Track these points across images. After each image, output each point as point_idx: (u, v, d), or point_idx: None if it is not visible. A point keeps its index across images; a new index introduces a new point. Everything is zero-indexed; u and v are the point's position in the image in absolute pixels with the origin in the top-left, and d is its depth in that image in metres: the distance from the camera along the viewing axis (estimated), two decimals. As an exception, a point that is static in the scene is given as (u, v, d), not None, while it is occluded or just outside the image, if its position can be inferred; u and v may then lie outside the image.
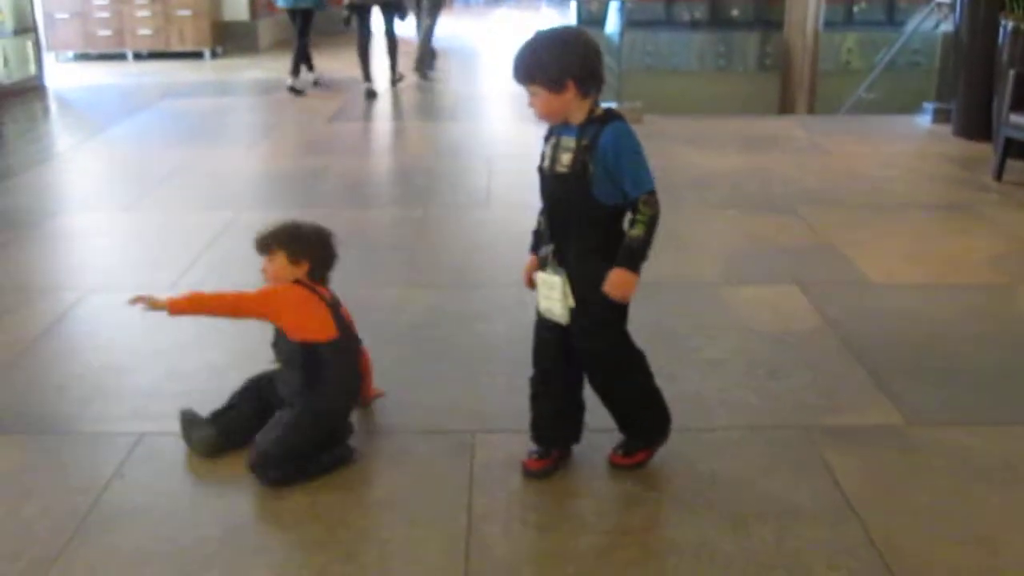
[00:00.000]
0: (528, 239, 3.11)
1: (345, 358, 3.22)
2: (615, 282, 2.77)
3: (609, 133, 2.75)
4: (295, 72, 10.64)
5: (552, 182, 2.87)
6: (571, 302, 2.87)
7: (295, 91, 10.54)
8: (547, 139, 2.91)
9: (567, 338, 2.94)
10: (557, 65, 2.74)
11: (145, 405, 3.55)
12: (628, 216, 2.79)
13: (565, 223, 2.87)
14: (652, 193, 2.75)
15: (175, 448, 3.26)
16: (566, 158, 2.80)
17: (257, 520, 2.90)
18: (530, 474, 3.05)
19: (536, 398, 3.08)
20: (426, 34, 12.02)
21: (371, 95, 10.33)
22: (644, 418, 3.06)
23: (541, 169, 2.91)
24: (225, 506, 2.97)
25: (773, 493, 2.96)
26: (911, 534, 2.76)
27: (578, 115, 2.80)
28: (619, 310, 2.90)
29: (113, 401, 3.61)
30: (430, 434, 3.34)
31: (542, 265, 2.94)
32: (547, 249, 2.93)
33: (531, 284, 3.04)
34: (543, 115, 2.85)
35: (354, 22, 10.58)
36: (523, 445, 3.12)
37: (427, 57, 12.00)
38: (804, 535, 2.76)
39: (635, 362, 3.00)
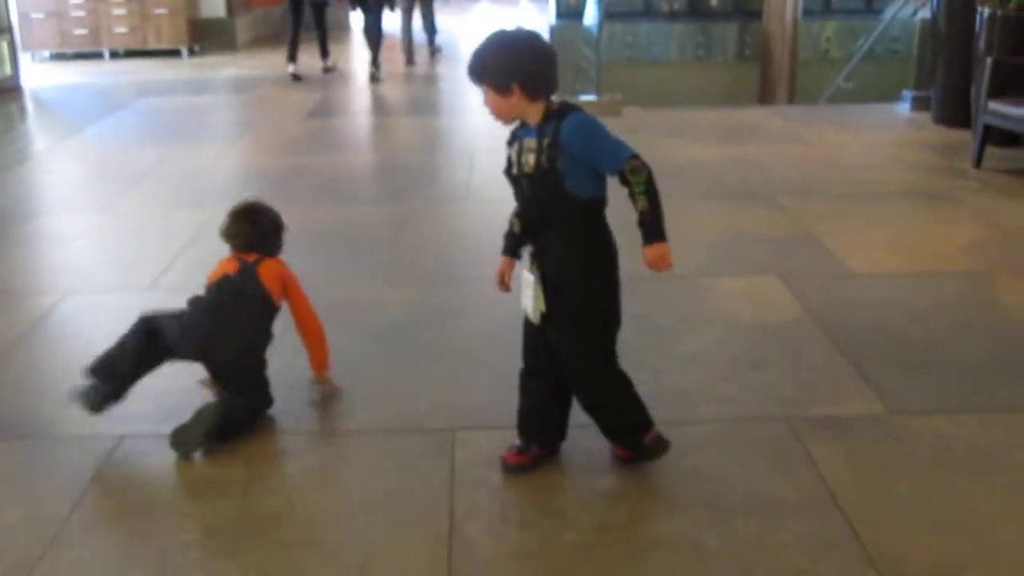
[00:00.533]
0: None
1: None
2: (652, 258, 2.76)
3: (568, 125, 2.76)
4: (292, 58, 11.21)
5: (523, 184, 2.87)
6: (542, 307, 2.87)
7: (296, 77, 11.16)
8: (510, 143, 2.91)
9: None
10: (503, 69, 2.78)
11: (125, 407, 3.51)
12: (628, 189, 2.76)
13: (543, 223, 2.87)
14: (635, 157, 2.73)
15: (155, 450, 3.24)
16: (531, 159, 2.81)
17: (237, 522, 2.88)
18: (508, 468, 3.05)
19: (522, 391, 3.08)
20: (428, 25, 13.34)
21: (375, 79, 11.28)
22: (619, 426, 3.04)
23: (509, 173, 2.91)
24: (205, 508, 2.95)
25: (756, 486, 2.96)
26: (894, 525, 2.76)
27: (534, 115, 2.82)
28: (595, 311, 2.89)
29: (92, 404, 3.57)
30: (411, 432, 3.33)
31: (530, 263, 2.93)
32: (531, 249, 2.93)
33: (504, 287, 3.04)
34: (494, 114, 2.88)
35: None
36: (505, 442, 3.10)
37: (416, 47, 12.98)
38: (788, 528, 2.76)
39: (610, 371, 2.96)
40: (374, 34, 11.44)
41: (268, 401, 3.43)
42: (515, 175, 2.89)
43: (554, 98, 2.86)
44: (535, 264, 2.89)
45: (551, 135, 2.76)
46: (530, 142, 2.82)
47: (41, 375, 3.86)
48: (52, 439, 3.36)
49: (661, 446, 3.02)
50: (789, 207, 5.82)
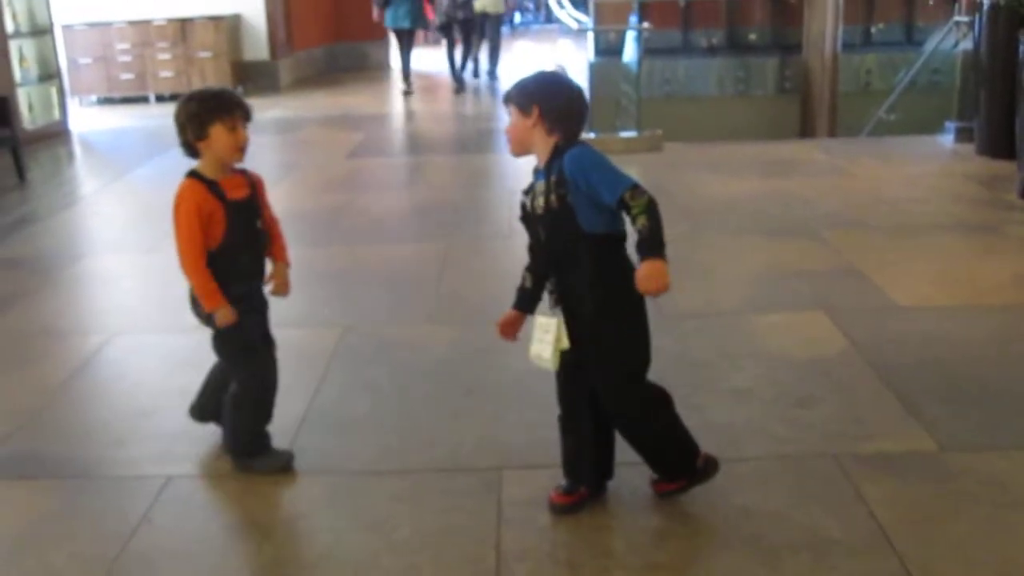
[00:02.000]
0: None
1: None
2: (643, 275, 2.69)
3: (568, 158, 2.77)
4: (406, 79, 13.64)
5: (537, 224, 2.87)
6: (565, 343, 2.85)
7: (407, 93, 13.53)
8: (526, 192, 2.93)
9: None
10: (531, 91, 2.85)
11: (172, 447, 3.55)
12: (629, 213, 2.72)
13: (559, 262, 2.86)
14: (634, 187, 2.69)
15: (203, 490, 3.26)
16: (541, 200, 2.82)
17: (284, 563, 2.88)
18: (555, 508, 3.02)
19: (562, 434, 3.06)
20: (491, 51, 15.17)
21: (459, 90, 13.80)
22: (664, 458, 3.01)
23: (524, 219, 2.93)
24: (252, 549, 2.95)
25: (806, 525, 2.91)
26: (949, 565, 2.71)
27: (543, 152, 2.84)
28: (630, 346, 2.87)
29: (140, 444, 3.61)
30: (457, 472, 3.32)
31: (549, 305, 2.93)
32: (550, 289, 2.93)
33: (510, 338, 3.06)
34: (509, 139, 2.91)
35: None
36: (551, 481, 3.09)
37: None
38: (839, 568, 2.71)
39: (651, 402, 2.93)
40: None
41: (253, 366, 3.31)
42: (529, 219, 2.90)
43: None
44: (558, 305, 2.89)
45: (556, 172, 2.78)
46: (540, 185, 2.83)
47: (89, 416, 3.90)
48: (100, 479, 3.38)
49: (712, 467, 3.00)
50: (832, 241, 5.78)
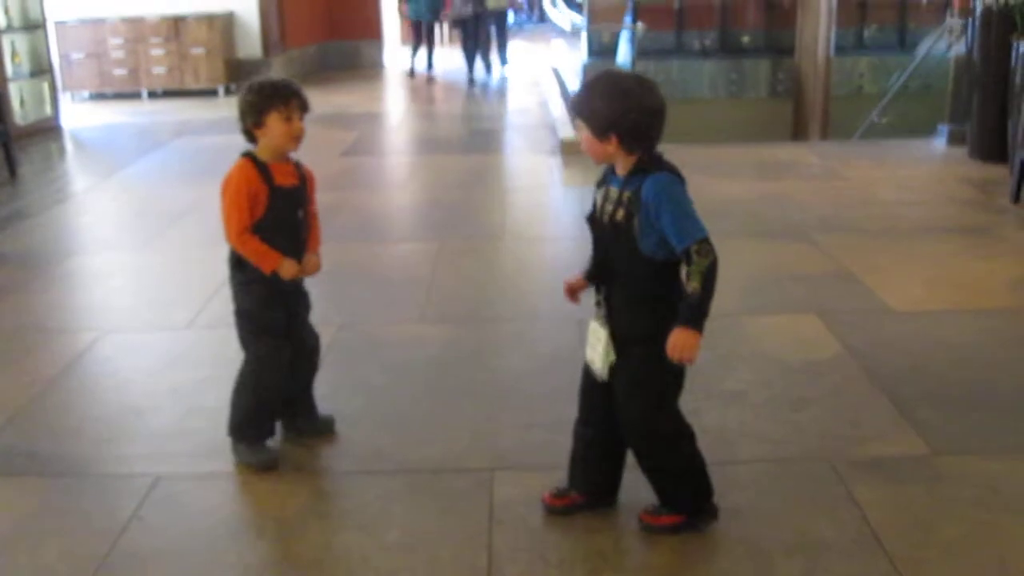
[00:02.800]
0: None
1: None
2: (675, 342, 2.61)
3: (649, 185, 2.64)
4: (427, 64, 15.43)
5: (600, 231, 2.78)
6: (612, 357, 2.77)
7: (430, 80, 15.09)
8: (599, 185, 2.82)
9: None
10: (606, 115, 2.65)
11: (163, 446, 3.53)
12: (684, 269, 2.65)
13: (612, 274, 2.77)
14: (704, 241, 2.60)
15: (193, 489, 3.24)
16: (610, 208, 2.73)
17: (275, 563, 2.87)
18: (545, 508, 3.02)
19: (574, 437, 3.01)
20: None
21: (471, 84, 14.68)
22: (677, 492, 2.91)
23: (592, 218, 2.82)
24: (243, 549, 2.94)
25: (799, 527, 2.91)
26: (940, 569, 2.71)
27: (624, 165, 2.72)
28: (661, 372, 2.75)
29: (131, 442, 3.59)
30: (449, 472, 3.31)
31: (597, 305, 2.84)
32: (597, 297, 2.83)
33: (571, 298, 2.93)
34: (585, 151, 2.78)
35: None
36: (543, 482, 3.08)
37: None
38: (832, 570, 2.71)
39: (675, 434, 2.85)
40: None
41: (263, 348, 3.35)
42: (596, 220, 2.80)
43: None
44: (601, 315, 2.80)
45: (633, 190, 2.67)
46: (613, 191, 2.74)
47: (79, 413, 3.88)
48: (90, 477, 3.36)
49: (714, 515, 2.91)
50: (826, 244, 5.78)
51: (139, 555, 2.90)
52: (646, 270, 2.69)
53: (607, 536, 2.92)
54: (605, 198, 2.78)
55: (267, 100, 3.17)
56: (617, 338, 2.77)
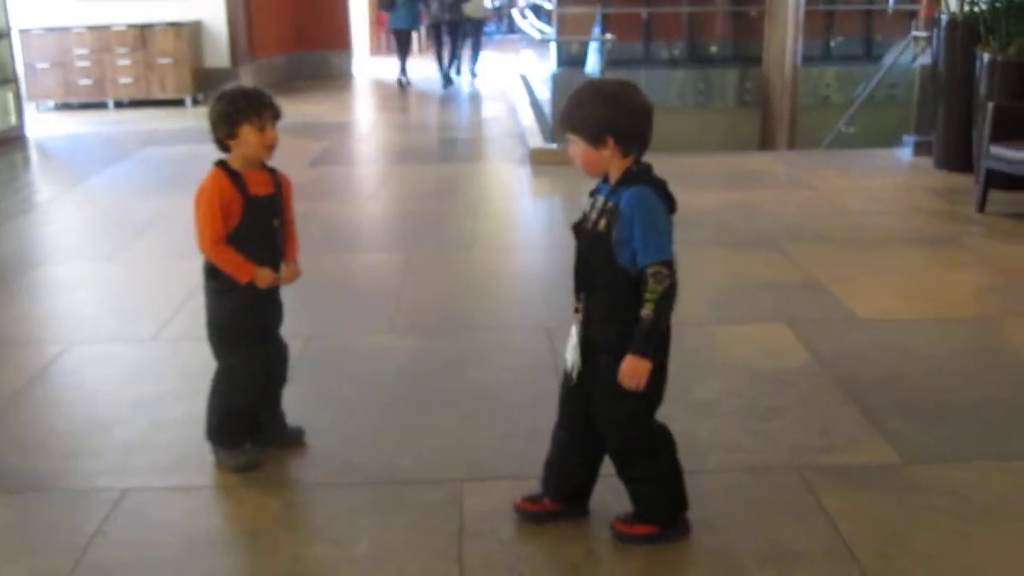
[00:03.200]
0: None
1: None
2: (624, 371, 2.63)
3: (628, 196, 2.64)
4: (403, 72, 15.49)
5: (581, 239, 2.76)
6: (579, 364, 2.79)
7: (404, 85, 15.42)
8: (591, 195, 2.80)
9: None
10: (600, 120, 2.64)
11: (128, 459, 3.49)
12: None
13: (590, 283, 2.75)
14: (664, 264, 2.61)
15: (160, 503, 3.20)
16: (594, 217, 2.72)
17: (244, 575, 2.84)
18: (517, 512, 3.00)
19: (552, 441, 2.99)
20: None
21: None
22: (652, 502, 2.89)
23: (577, 225, 2.79)
24: (211, 563, 2.90)
25: (770, 537, 2.91)
26: (912, 576, 2.72)
27: (616, 173, 2.70)
28: (635, 395, 2.73)
29: (96, 455, 3.54)
30: (418, 484, 3.28)
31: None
32: (576, 304, 2.81)
33: None
34: (580, 165, 2.74)
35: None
36: (514, 492, 3.06)
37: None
38: (803, 580, 2.71)
39: (652, 443, 2.84)
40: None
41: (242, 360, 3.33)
42: (580, 229, 2.77)
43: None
44: (578, 320, 2.79)
45: (615, 200, 2.66)
46: (600, 200, 2.72)
47: (44, 426, 3.82)
48: (55, 492, 3.31)
49: (686, 529, 2.91)
50: (794, 253, 5.81)
51: (105, 570, 2.85)
52: (624, 283, 2.67)
53: (579, 546, 2.91)
54: (592, 206, 2.77)
55: (240, 111, 3.14)
56: (588, 345, 2.77)
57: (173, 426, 3.69)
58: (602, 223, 2.69)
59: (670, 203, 2.72)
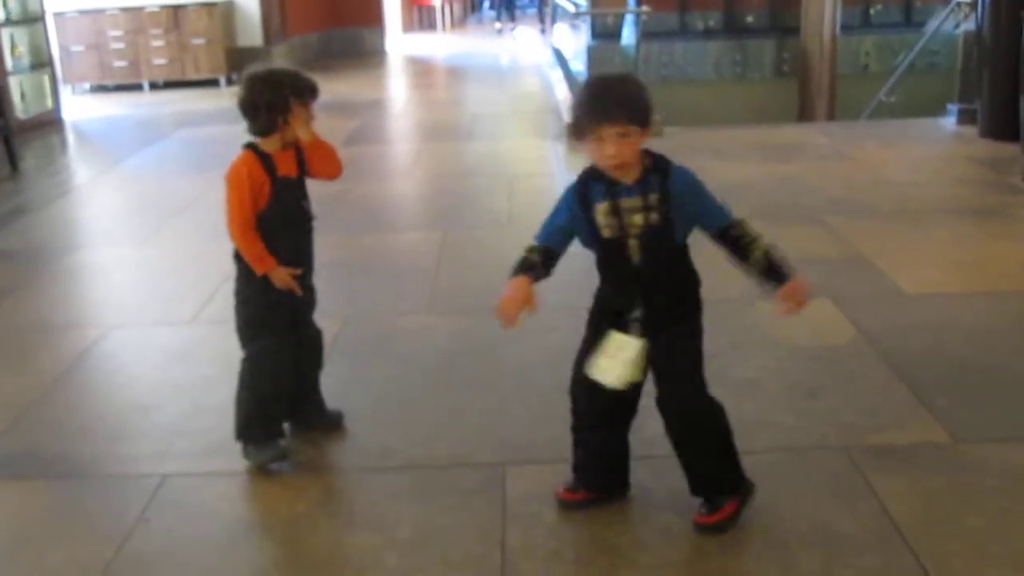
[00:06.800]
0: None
1: None
2: (799, 291, 2.72)
3: (679, 180, 2.65)
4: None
5: (629, 246, 2.65)
6: (639, 377, 2.73)
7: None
8: (587, 207, 2.67)
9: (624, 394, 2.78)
10: (647, 101, 2.61)
11: (169, 445, 3.48)
12: (737, 241, 2.72)
13: (655, 281, 2.68)
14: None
15: (200, 489, 3.19)
16: (639, 219, 2.62)
17: (284, 563, 2.82)
18: (560, 502, 2.96)
19: (574, 444, 2.95)
20: None
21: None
22: (725, 472, 2.84)
23: (602, 238, 2.67)
24: (250, 549, 2.89)
25: (817, 519, 2.85)
26: (964, 560, 2.65)
27: (635, 164, 2.63)
28: (699, 347, 2.79)
29: (136, 441, 3.54)
30: (460, 467, 3.25)
31: (619, 327, 2.73)
32: (635, 314, 2.70)
33: (512, 314, 2.85)
34: (622, 161, 2.59)
35: None
36: (556, 476, 3.02)
37: None
38: (853, 563, 2.65)
39: (716, 407, 2.83)
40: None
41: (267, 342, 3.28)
42: (617, 238, 2.65)
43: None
44: (636, 331, 2.70)
45: (657, 190, 2.61)
46: (631, 202, 2.62)
47: (83, 412, 3.83)
48: (95, 478, 3.31)
49: (753, 487, 2.88)
50: (837, 226, 5.70)
51: (145, 558, 2.85)
52: (682, 259, 2.74)
53: (623, 531, 2.87)
54: (616, 214, 2.63)
55: (287, 99, 3.12)
56: (672, 336, 2.73)
57: (213, 411, 3.67)
58: (654, 216, 2.62)
59: None
